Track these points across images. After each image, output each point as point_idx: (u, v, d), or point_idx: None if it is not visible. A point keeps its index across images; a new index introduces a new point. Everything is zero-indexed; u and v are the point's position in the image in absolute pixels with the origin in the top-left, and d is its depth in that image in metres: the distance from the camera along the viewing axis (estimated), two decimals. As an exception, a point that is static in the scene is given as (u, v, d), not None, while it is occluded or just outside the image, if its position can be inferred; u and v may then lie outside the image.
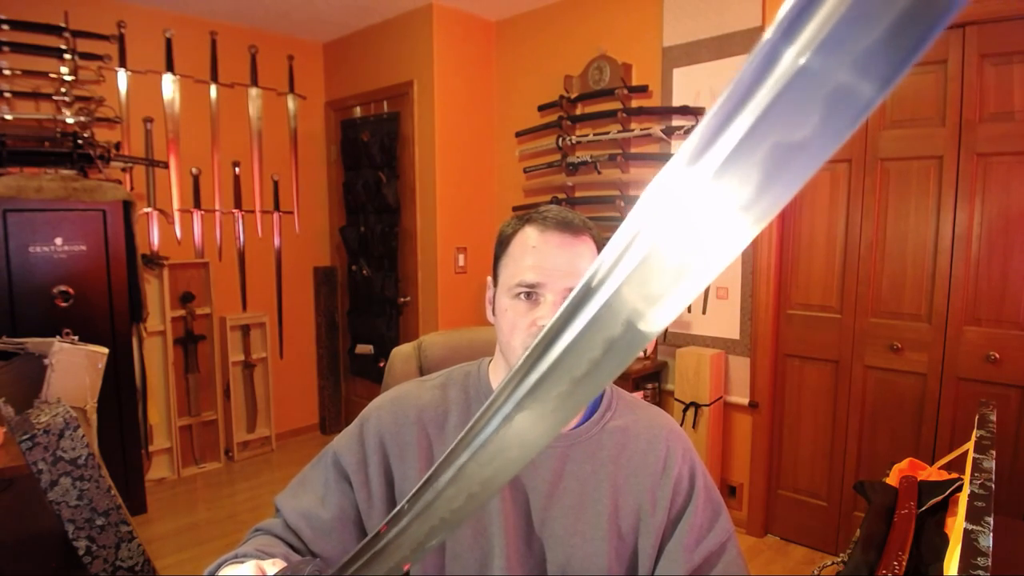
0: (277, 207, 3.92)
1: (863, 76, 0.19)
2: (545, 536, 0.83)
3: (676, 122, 2.88)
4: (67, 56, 2.99)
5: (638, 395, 2.63)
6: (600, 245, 0.84)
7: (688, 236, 0.22)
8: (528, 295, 0.80)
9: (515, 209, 3.48)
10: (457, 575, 0.82)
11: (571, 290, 0.86)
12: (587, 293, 0.25)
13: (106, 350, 2.33)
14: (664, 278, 0.23)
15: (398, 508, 0.36)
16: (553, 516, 0.83)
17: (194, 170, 3.55)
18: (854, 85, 0.19)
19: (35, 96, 2.96)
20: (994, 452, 1.29)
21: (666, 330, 2.97)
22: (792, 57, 0.20)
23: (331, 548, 0.80)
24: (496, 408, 0.30)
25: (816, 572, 1.57)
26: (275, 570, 0.52)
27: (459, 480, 0.33)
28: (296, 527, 0.80)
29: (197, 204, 3.57)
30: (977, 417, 1.50)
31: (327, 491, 0.84)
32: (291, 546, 0.79)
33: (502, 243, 0.85)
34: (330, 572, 0.41)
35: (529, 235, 0.82)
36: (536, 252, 0.80)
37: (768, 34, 0.20)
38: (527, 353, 0.29)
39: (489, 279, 0.89)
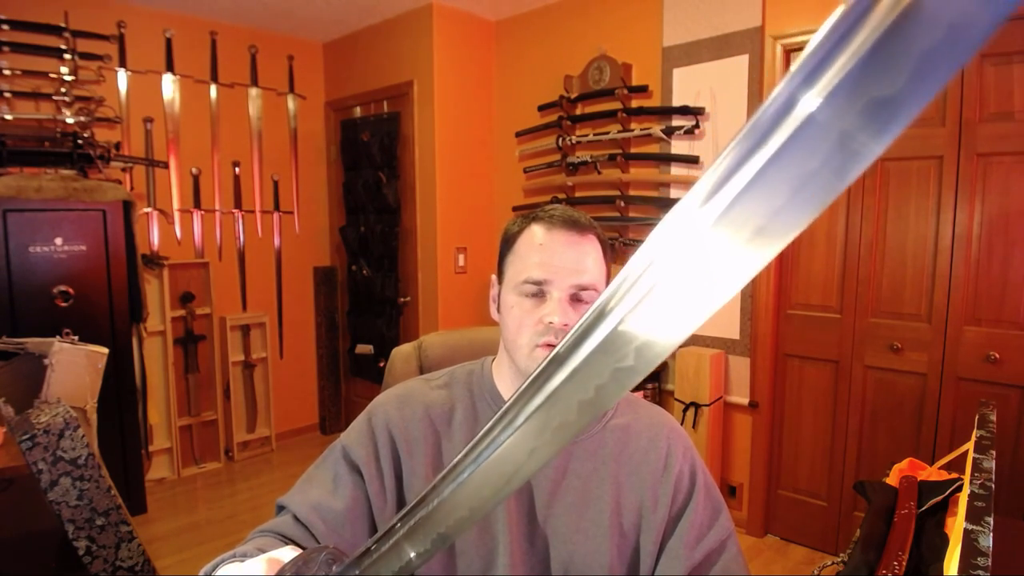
0: (277, 207, 3.92)
1: (868, 127, 0.20)
2: (548, 533, 0.83)
3: (676, 122, 2.88)
4: (67, 56, 2.99)
5: (638, 395, 2.63)
6: (604, 245, 0.85)
7: (696, 269, 0.24)
8: (535, 292, 0.81)
9: (515, 209, 3.48)
10: (462, 574, 0.82)
11: (578, 287, 0.86)
12: (599, 317, 0.27)
13: (106, 350, 2.33)
14: (672, 308, 0.25)
15: (389, 526, 0.36)
16: (555, 513, 0.83)
17: (194, 170, 3.55)
18: (859, 136, 0.20)
19: (35, 96, 2.96)
20: (994, 452, 1.29)
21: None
22: (806, 104, 0.21)
23: (345, 543, 0.78)
24: (504, 424, 0.31)
25: (816, 572, 1.57)
26: (291, 555, 0.48)
27: (455, 499, 0.33)
28: (308, 521, 0.77)
29: (197, 204, 3.57)
30: (977, 417, 1.50)
31: (338, 483, 0.81)
32: (300, 546, 0.75)
33: (508, 241, 0.86)
34: (336, 571, 0.40)
35: (536, 233, 0.83)
36: (543, 249, 0.81)
37: (787, 79, 0.21)
38: (539, 369, 0.30)
39: (493, 277, 0.90)
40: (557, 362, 0.29)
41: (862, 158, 0.21)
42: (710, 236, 0.24)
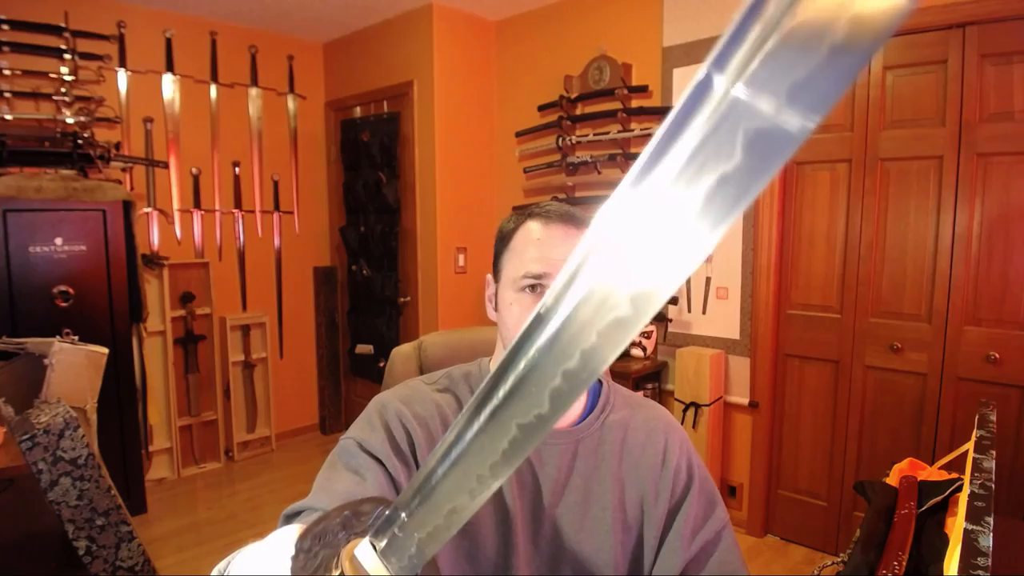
0: (277, 207, 3.92)
1: (791, 109, 0.20)
2: (553, 534, 0.83)
3: (676, 122, 2.88)
4: (67, 56, 2.99)
5: (638, 395, 2.63)
6: None
7: (640, 260, 0.23)
8: (534, 287, 0.80)
9: (515, 209, 3.47)
10: (469, 574, 0.81)
11: None
12: (539, 321, 0.26)
13: (106, 350, 2.33)
14: (619, 304, 0.24)
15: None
16: (560, 513, 0.84)
17: (194, 170, 3.55)
18: (780, 117, 0.20)
19: (35, 96, 2.96)
20: (994, 452, 1.29)
21: (666, 330, 2.97)
22: (724, 87, 0.20)
23: None
24: (460, 433, 0.30)
25: (816, 572, 1.57)
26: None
27: (429, 509, 0.32)
28: None
29: (197, 204, 3.57)
30: (977, 417, 1.50)
31: (363, 473, 0.74)
32: None
33: (503, 239, 0.86)
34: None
35: (532, 228, 0.83)
36: (540, 244, 0.81)
37: (704, 65, 0.21)
38: (492, 374, 0.29)
39: (489, 276, 0.90)
40: (505, 367, 0.28)
41: (789, 142, 0.20)
42: (648, 218, 0.23)
